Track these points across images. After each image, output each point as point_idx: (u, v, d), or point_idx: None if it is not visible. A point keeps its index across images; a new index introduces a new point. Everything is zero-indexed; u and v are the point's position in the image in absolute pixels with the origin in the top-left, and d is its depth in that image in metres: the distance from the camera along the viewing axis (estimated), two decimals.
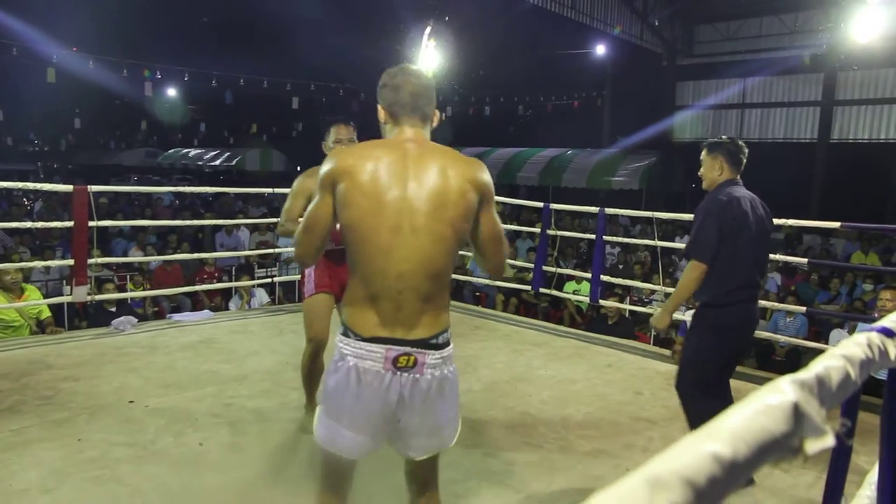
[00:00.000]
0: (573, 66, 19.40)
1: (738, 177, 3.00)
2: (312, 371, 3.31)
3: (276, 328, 5.51)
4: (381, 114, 1.85)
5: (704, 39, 18.14)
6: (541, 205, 6.03)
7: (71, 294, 4.96)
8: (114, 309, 5.82)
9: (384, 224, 1.66)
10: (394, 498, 2.35)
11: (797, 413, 0.42)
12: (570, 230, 11.33)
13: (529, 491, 2.87)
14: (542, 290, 6.20)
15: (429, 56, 7.18)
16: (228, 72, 16.75)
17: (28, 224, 5.56)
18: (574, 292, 7.52)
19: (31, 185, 5.12)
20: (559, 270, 6.30)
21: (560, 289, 6.97)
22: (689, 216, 6.08)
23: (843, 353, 0.60)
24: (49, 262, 5.99)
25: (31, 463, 2.91)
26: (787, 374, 0.51)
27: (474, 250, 1.86)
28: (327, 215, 1.74)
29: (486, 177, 1.78)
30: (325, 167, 1.74)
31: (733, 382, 4.57)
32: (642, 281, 7.01)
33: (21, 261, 6.68)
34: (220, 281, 7.98)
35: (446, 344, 1.76)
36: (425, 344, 1.70)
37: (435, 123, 1.86)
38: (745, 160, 3.02)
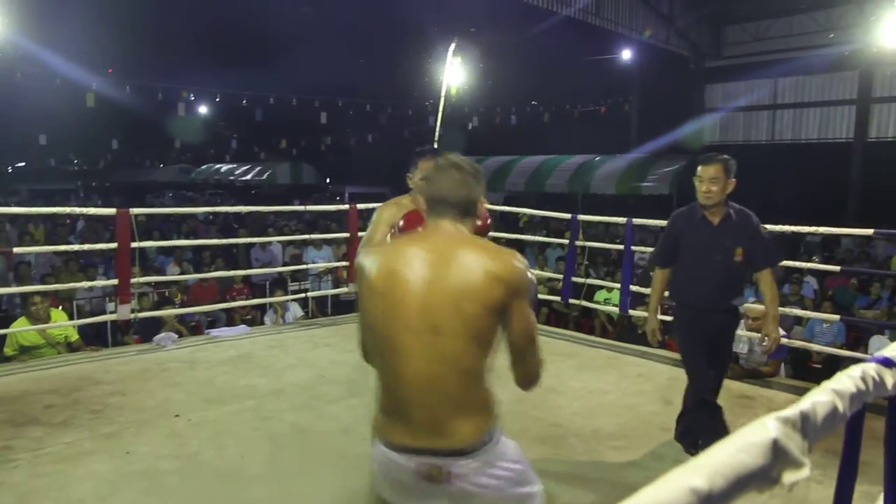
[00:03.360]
0: (600, 73, 19.39)
1: None
2: None
3: (310, 342, 5.64)
4: (422, 203, 1.83)
5: (733, 41, 17.98)
6: (569, 216, 6.07)
7: (115, 312, 5.16)
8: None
9: (401, 324, 1.60)
10: None
11: (776, 449, 0.49)
12: (601, 237, 11.32)
13: (559, 503, 2.92)
14: (571, 300, 6.22)
15: (454, 70, 7.30)
16: (258, 91, 17.16)
17: (76, 247, 5.80)
18: (605, 301, 7.53)
19: (77, 210, 5.34)
20: (588, 281, 6.32)
21: (590, 298, 6.99)
22: None
23: (833, 388, 0.66)
24: (95, 283, 6.22)
25: (85, 474, 3.07)
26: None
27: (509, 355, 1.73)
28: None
29: (518, 270, 1.62)
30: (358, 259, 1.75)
31: (766, 392, 4.55)
32: None
33: (67, 280, 6.96)
34: (253, 296, 8.18)
35: (483, 449, 1.61)
36: (459, 453, 1.59)
37: (478, 218, 1.78)
38: None
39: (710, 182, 3.18)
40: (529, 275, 1.65)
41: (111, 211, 5.04)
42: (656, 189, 16.16)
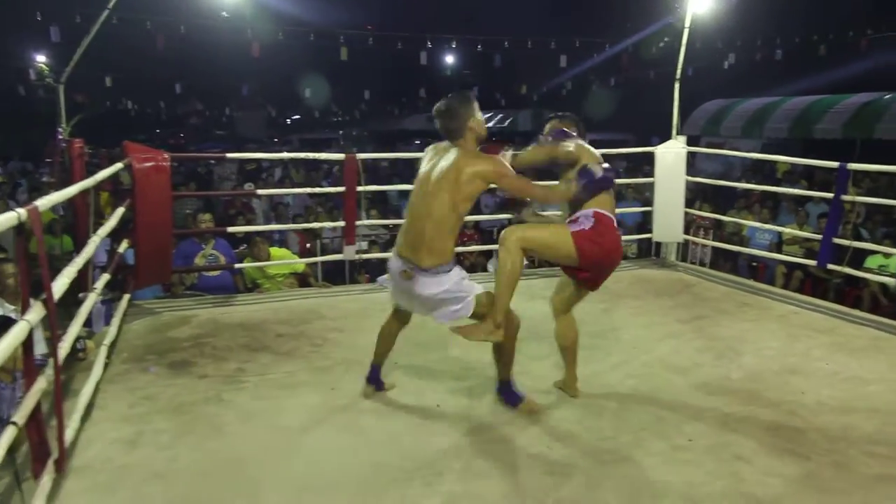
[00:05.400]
0: None
1: None
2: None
3: (527, 293, 5.39)
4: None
5: None
6: (835, 165, 5.03)
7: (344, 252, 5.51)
8: None
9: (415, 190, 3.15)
10: None
11: None
12: (884, 191, 9.47)
13: None
14: (830, 266, 5.21)
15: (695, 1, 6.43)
16: (492, 35, 17.28)
17: (308, 190, 6.30)
18: (879, 268, 6.26)
19: (311, 155, 5.75)
20: (854, 244, 5.20)
21: (859, 264, 5.84)
22: None
23: None
24: (328, 224, 6.80)
25: (295, 404, 3.29)
26: None
27: None
28: None
29: (481, 169, 2.99)
30: None
31: None
32: None
33: (316, 220, 7.70)
34: (482, 242, 8.25)
35: (437, 272, 2.97)
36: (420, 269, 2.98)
37: (468, 134, 3.12)
38: None
39: None
40: (497, 165, 3.05)
41: (340, 156, 5.33)
42: None
